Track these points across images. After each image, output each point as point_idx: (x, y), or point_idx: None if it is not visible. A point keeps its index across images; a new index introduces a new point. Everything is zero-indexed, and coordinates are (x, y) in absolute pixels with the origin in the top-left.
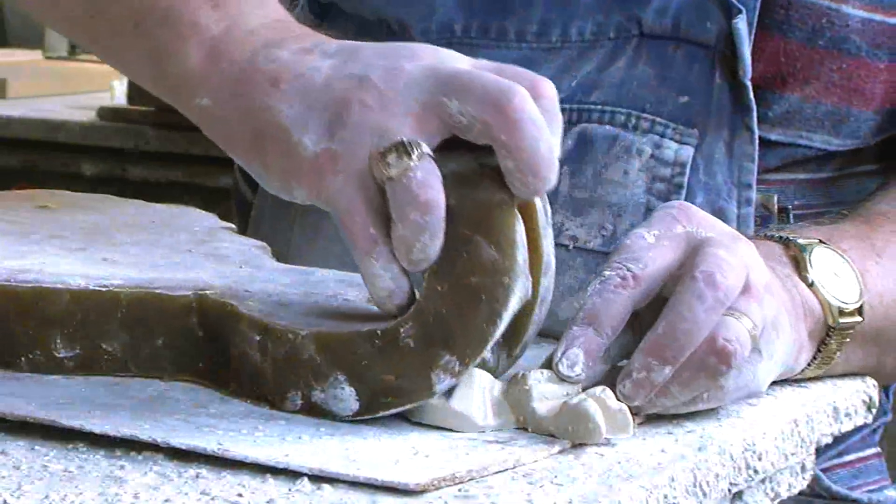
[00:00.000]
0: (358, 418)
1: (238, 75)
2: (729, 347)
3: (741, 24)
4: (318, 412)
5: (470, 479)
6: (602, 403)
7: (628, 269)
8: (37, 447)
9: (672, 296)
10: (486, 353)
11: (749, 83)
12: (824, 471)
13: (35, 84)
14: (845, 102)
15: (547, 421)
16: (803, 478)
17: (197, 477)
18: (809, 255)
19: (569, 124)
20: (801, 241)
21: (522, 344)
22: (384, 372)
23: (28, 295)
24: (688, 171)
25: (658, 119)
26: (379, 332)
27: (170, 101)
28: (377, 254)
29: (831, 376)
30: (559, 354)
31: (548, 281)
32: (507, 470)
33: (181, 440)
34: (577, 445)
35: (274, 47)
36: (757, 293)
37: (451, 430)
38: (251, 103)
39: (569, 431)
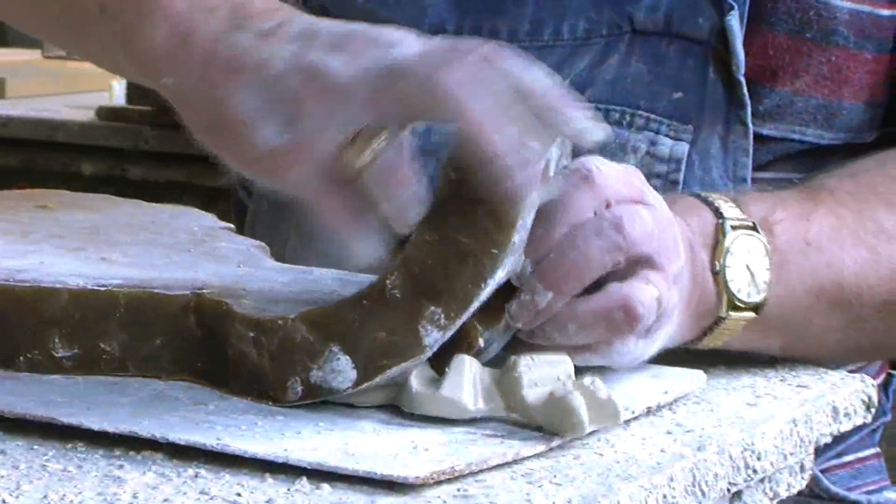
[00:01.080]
0: (357, 389)
1: (200, 60)
2: (639, 309)
3: (733, 20)
4: (319, 393)
5: (469, 473)
6: (589, 395)
7: (596, 167)
8: (35, 446)
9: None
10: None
11: (742, 78)
12: (823, 472)
13: (34, 84)
14: (836, 95)
15: (535, 409)
16: (802, 478)
17: (196, 476)
18: (730, 244)
19: None
20: (732, 222)
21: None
22: (375, 329)
23: (27, 294)
24: (683, 167)
25: (653, 116)
26: (365, 291)
27: (142, 81)
28: (354, 231)
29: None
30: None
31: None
32: (506, 464)
33: (180, 436)
34: (577, 443)
35: (236, 29)
36: (668, 277)
37: (445, 421)
38: (212, 92)
39: (554, 423)
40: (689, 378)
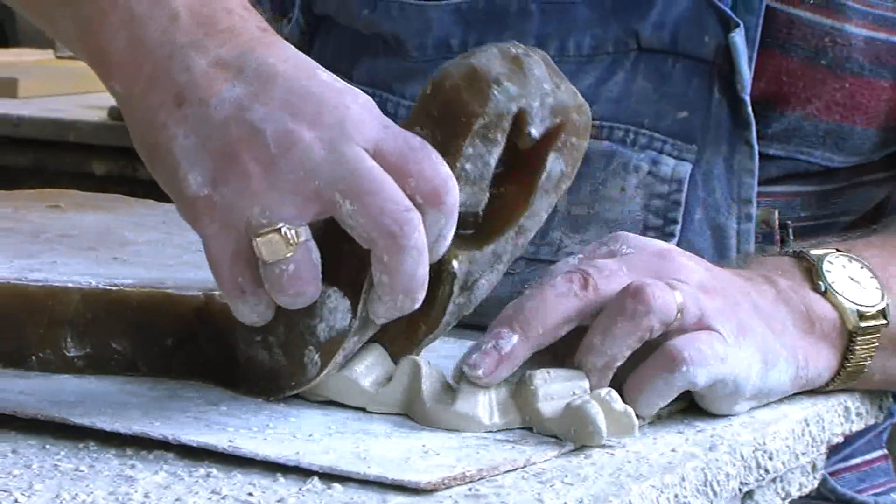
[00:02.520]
0: (354, 323)
1: (149, 75)
2: (647, 290)
3: (738, 37)
4: (333, 346)
5: (480, 478)
6: (606, 406)
7: (587, 274)
8: (48, 446)
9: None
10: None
11: (748, 98)
12: (831, 474)
13: (46, 84)
14: (848, 121)
15: (551, 422)
16: (814, 477)
17: (207, 476)
18: (821, 263)
19: None
20: (814, 251)
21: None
22: (353, 255)
23: (38, 294)
24: (685, 187)
25: (656, 134)
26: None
27: (94, 72)
28: (243, 300)
29: (872, 391)
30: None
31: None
32: (517, 469)
33: (192, 437)
34: (587, 445)
35: (193, 50)
36: (688, 286)
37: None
38: (153, 116)
39: (571, 433)
40: None
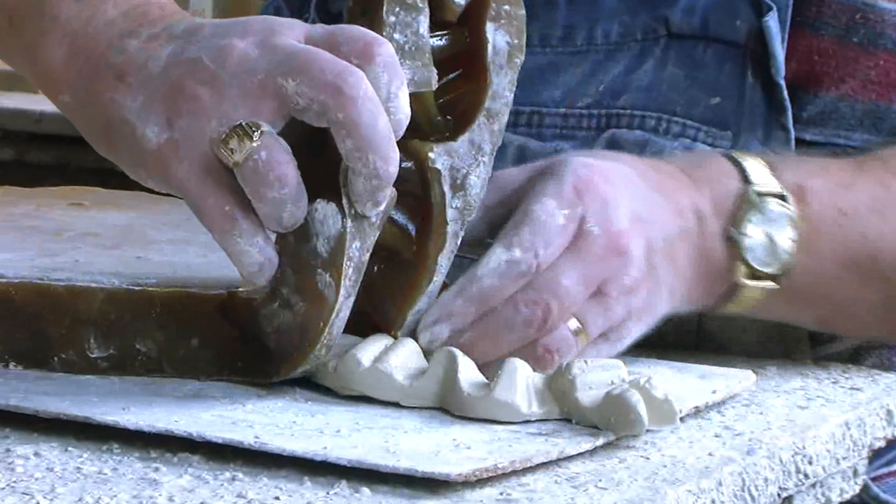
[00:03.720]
0: (348, 224)
1: (90, 73)
2: (547, 357)
3: (772, 21)
4: (336, 258)
5: (512, 472)
6: (646, 393)
7: (536, 257)
8: (70, 448)
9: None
10: None
11: (783, 82)
12: (873, 480)
13: None
14: (884, 99)
15: (590, 411)
16: (856, 483)
17: (233, 479)
18: (751, 212)
19: (597, 130)
20: (759, 187)
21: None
22: (329, 163)
23: (61, 294)
24: None
25: (689, 122)
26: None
27: (46, 95)
28: (238, 231)
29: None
30: (429, 321)
31: None
32: (550, 466)
33: (217, 434)
34: (623, 445)
35: (126, 37)
36: (607, 299)
37: (495, 422)
38: (100, 98)
39: (611, 422)
40: (738, 378)
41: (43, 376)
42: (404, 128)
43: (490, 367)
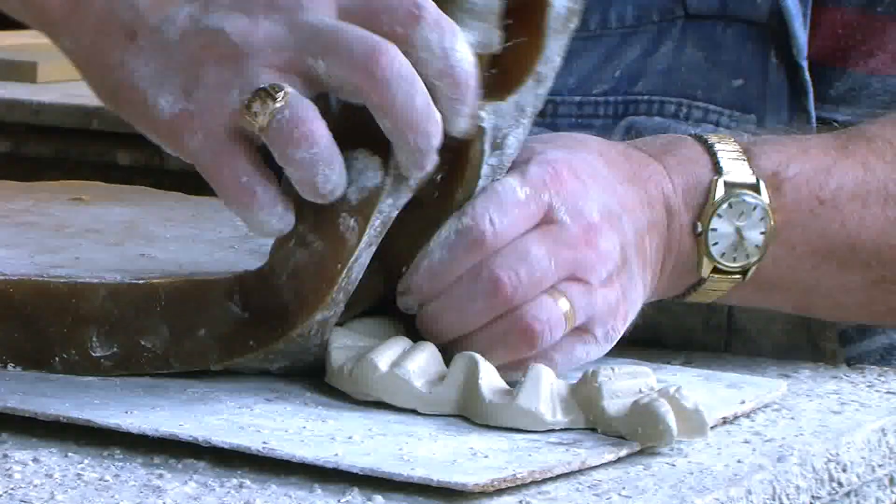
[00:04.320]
0: (387, 181)
1: (96, 23)
2: (535, 327)
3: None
4: (367, 208)
5: (532, 482)
6: (675, 403)
7: (492, 224)
8: (70, 454)
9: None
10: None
11: (804, 63)
12: None
13: (67, 68)
14: None
15: (616, 421)
16: (891, 491)
17: (240, 486)
18: (720, 205)
19: (614, 117)
20: (730, 178)
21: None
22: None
23: (62, 291)
24: None
25: (711, 106)
26: None
27: (45, 35)
28: (258, 203)
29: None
30: (400, 289)
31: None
32: (571, 474)
33: (223, 439)
34: (648, 451)
35: None
36: (591, 287)
37: (515, 431)
38: (108, 58)
39: (638, 433)
40: (769, 387)
41: (42, 377)
42: (474, 76)
43: (506, 371)
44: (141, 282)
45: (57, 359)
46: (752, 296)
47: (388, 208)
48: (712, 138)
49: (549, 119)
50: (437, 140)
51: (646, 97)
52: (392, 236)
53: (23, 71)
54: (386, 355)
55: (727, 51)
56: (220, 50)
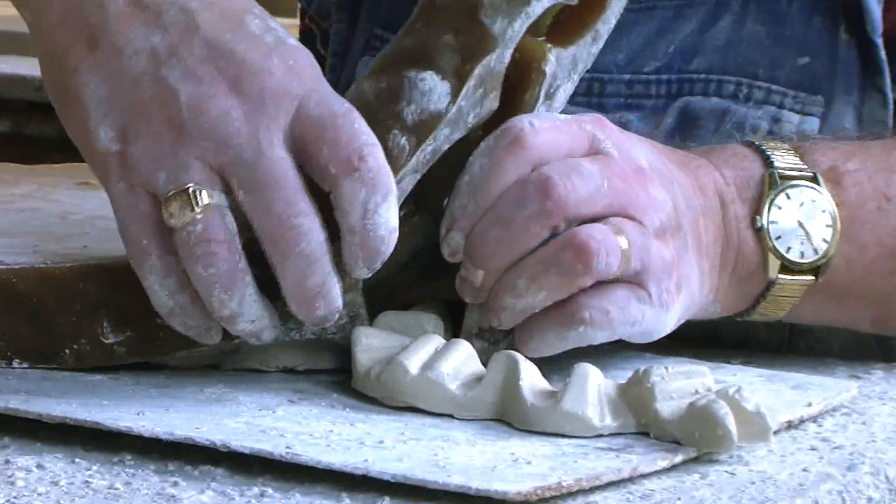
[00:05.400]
0: (456, 102)
1: (61, 10)
2: (591, 244)
3: None
4: (424, 130)
5: (579, 491)
6: (735, 405)
7: (530, 125)
8: (78, 459)
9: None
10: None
11: (880, 41)
12: None
13: None
14: None
15: (671, 424)
16: None
17: (262, 496)
18: (777, 196)
19: (667, 97)
20: (786, 171)
21: None
22: (443, 34)
23: (68, 277)
24: None
25: (774, 86)
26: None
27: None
28: (149, 268)
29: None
30: (443, 231)
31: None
32: (621, 482)
33: (243, 444)
34: (705, 458)
35: None
36: (645, 229)
37: (560, 436)
38: (65, 57)
39: (695, 438)
40: (837, 389)
41: (47, 376)
42: (388, 242)
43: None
44: None
45: (66, 351)
46: (827, 305)
47: (444, 138)
48: (758, 140)
49: (597, 98)
50: (333, 306)
51: (702, 76)
52: (436, 181)
53: (21, 43)
54: (416, 356)
55: (792, 25)
56: (169, 111)
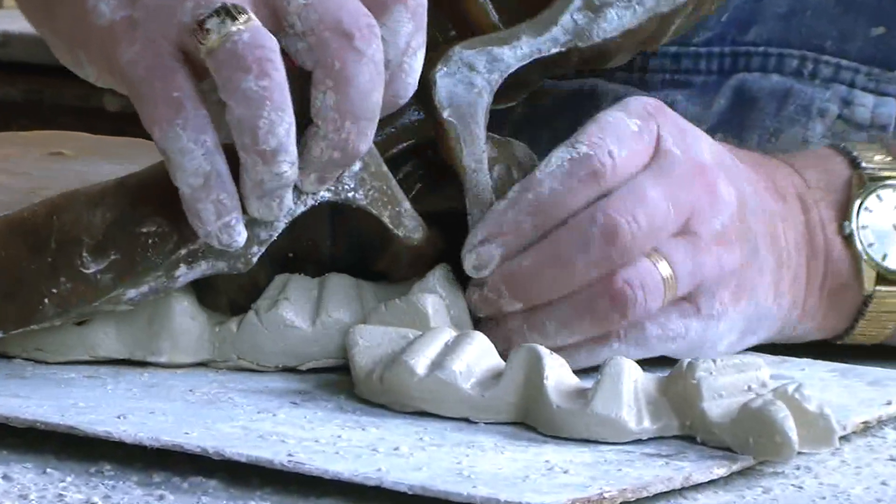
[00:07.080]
0: None
1: None
2: (627, 292)
3: None
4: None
5: (623, 502)
6: (795, 405)
7: (609, 155)
8: (50, 469)
9: (561, 226)
10: None
11: None
12: None
13: None
14: None
15: (720, 428)
16: None
17: None
18: (868, 198)
19: (719, 74)
20: (873, 171)
21: None
22: None
23: (40, 215)
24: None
25: (843, 62)
26: None
27: None
28: (183, 119)
29: None
30: (475, 241)
31: None
32: (672, 493)
33: (240, 451)
34: (768, 470)
35: None
36: (697, 240)
37: (602, 441)
38: None
39: (749, 444)
40: None
41: (14, 373)
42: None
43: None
44: (128, 175)
45: (46, 301)
46: None
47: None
48: (840, 143)
49: (638, 74)
50: (363, 147)
51: (760, 49)
52: None
53: None
54: (423, 355)
55: None
56: None
